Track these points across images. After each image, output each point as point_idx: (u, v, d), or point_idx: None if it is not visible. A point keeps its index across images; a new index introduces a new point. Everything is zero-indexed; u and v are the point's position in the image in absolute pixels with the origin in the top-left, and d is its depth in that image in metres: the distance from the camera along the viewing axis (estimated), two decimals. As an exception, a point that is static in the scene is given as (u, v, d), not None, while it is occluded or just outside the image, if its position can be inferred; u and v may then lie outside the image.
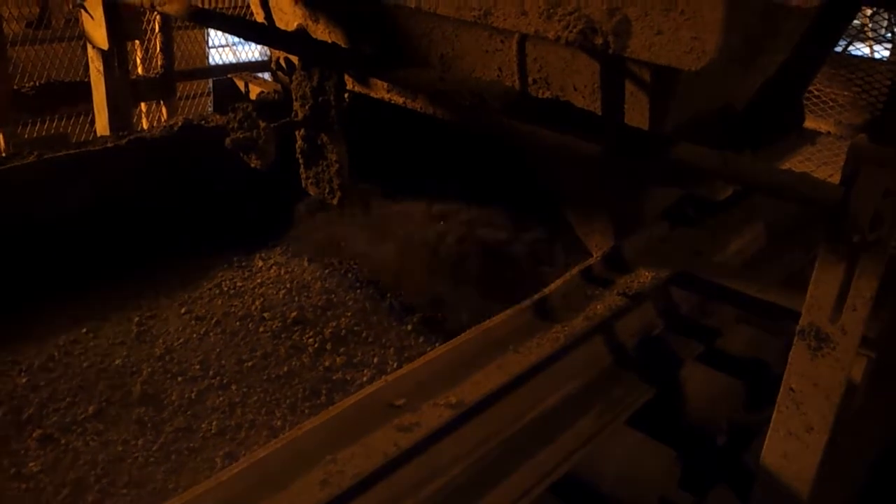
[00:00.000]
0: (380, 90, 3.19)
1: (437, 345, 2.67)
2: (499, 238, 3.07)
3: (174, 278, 3.14)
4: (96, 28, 4.02)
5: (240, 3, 6.42)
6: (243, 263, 3.28)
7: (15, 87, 4.53)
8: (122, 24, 4.04)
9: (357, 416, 1.62)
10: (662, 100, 2.32)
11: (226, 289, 3.09)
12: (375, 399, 1.68)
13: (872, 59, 4.72)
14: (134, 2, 3.44)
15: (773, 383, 1.77)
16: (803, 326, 1.67)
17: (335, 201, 2.86)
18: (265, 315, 2.87)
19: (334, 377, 2.60)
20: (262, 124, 2.62)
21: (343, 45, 3.06)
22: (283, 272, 3.16)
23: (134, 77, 4.85)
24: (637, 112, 2.36)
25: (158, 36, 5.16)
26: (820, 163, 4.11)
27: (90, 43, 4.09)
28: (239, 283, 3.12)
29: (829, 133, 4.20)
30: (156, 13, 4.97)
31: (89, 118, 4.80)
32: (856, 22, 4.71)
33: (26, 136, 5.14)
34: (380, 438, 1.58)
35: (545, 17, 2.19)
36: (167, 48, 5.13)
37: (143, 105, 5.35)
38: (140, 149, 3.37)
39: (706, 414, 2.17)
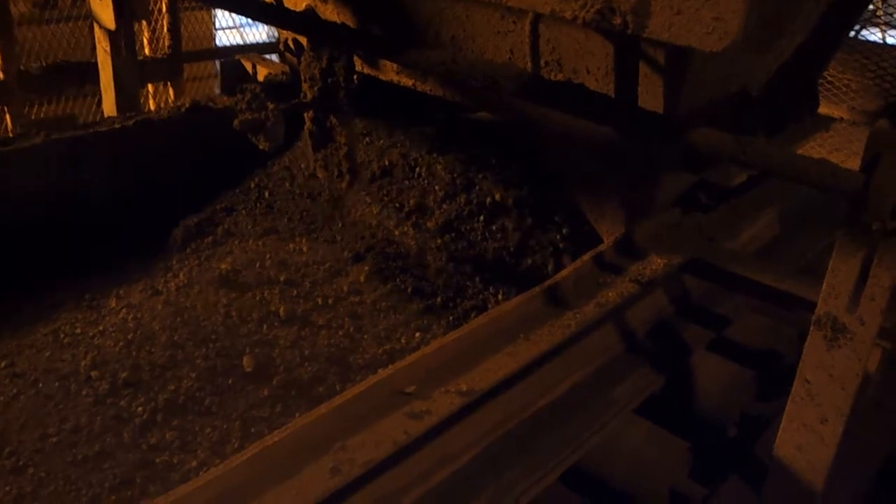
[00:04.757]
0: (389, 72, 3.15)
1: (297, 416, 2.15)
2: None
3: (14, 316, 2.71)
4: (103, 8, 3.99)
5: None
6: (94, 302, 2.81)
7: (21, 67, 4.51)
8: (130, 4, 4.01)
9: (367, 404, 1.60)
10: (677, 82, 2.28)
11: (62, 336, 2.60)
12: (385, 386, 1.66)
13: (886, 45, 4.66)
14: (141, -19, 3.41)
15: (786, 373, 1.75)
16: (819, 316, 1.64)
17: (344, 184, 2.84)
18: (92, 374, 2.36)
19: (157, 460, 2.10)
20: (271, 105, 2.59)
21: (352, 26, 3.02)
22: (131, 317, 2.63)
23: (141, 58, 4.82)
24: (651, 95, 2.32)
25: (166, 17, 5.12)
26: (832, 148, 4.07)
27: (97, 23, 4.07)
28: (78, 330, 2.62)
29: (842, 119, 4.15)
30: (163, -7, 4.94)
31: (96, 99, 4.78)
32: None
33: (33, 116, 5.12)
34: (390, 426, 1.57)
35: (562, -3, 2.14)
36: (174, 29, 5.09)
37: (150, 86, 5.32)
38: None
39: (717, 404, 2.15)
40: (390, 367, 1.74)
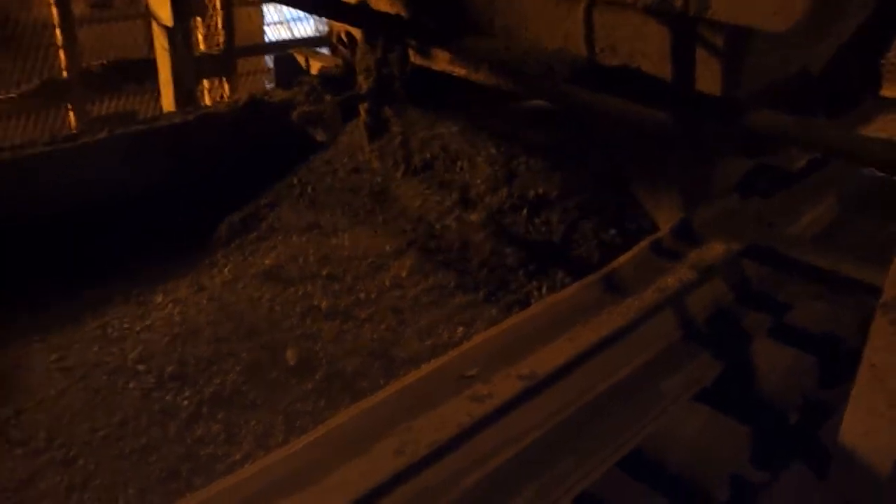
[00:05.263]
0: (441, 62, 3.17)
1: (341, 409, 2.12)
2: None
3: (65, 311, 2.75)
4: (161, 5, 4.09)
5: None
6: (141, 297, 2.86)
7: (83, 65, 4.65)
8: (186, 1, 4.10)
9: (430, 387, 1.63)
10: (736, 65, 2.25)
11: (109, 331, 2.65)
12: (448, 370, 1.68)
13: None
14: (198, -22, 3.48)
15: (849, 359, 1.72)
16: (887, 300, 1.61)
17: (399, 174, 2.87)
18: (139, 368, 2.42)
19: (202, 452, 2.14)
20: (328, 97, 2.64)
21: (405, 17, 3.04)
22: (177, 312, 2.70)
23: (197, 54, 4.93)
24: (709, 79, 2.30)
25: (219, 13, 5.21)
26: (896, 132, 3.97)
27: (155, 20, 4.16)
28: (126, 325, 2.67)
29: (905, 101, 4.04)
30: (218, -11, 5.03)
31: (154, 95, 4.90)
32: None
33: (94, 113, 5.27)
34: (453, 408, 1.59)
35: (621, -19, 2.14)
36: (228, 24, 5.19)
37: (205, 82, 5.44)
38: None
39: (778, 389, 2.12)
40: (454, 350, 1.77)
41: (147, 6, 4.25)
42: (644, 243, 2.24)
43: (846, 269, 2.20)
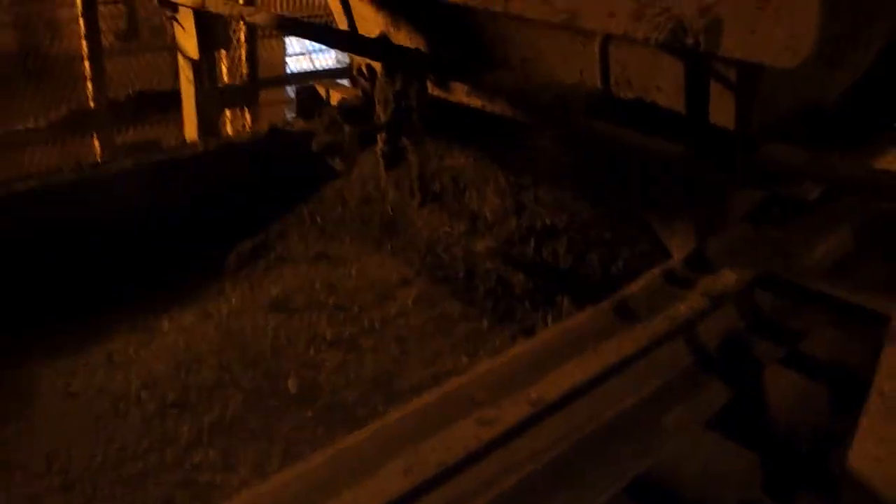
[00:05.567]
0: (458, 94, 3.22)
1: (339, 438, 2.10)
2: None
3: (72, 336, 2.80)
4: (188, 39, 4.19)
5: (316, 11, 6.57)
6: (147, 324, 2.91)
7: (110, 96, 4.76)
8: (212, 34, 4.20)
9: (439, 409, 1.65)
10: (749, 99, 2.28)
11: (115, 358, 2.70)
12: (457, 393, 1.70)
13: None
14: (224, 12, 3.57)
15: (860, 388, 1.73)
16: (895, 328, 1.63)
17: (417, 204, 2.91)
18: (142, 394, 2.46)
19: (200, 479, 2.16)
20: (347, 128, 2.69)
21: (424, 51, 3.11)
22: (182, 340, 2.73)
23: (220, 85, 5.03)
24: (723, 112, 2.33)
25: (244, 45, 5.32)
26: (912, 166, 3.96)
27: (181, 53, 4.26)
28: (131, 351, 2.72)
29: (922, 135, 4.04)
30: (242, 23, 5.14)
31: (178, 124, 5.00)
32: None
33: (119, 142, 5.38)
34: (461, 431, 1.61)
35: (634, 18, 2.18)
36: (251, 57, 5.30)
37: (227, 112, 5.54)
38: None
39: (789, 418, 2.12)
40: (463, 375, 1.79)
41: (173, 39, 4.35)
42: (656, 270, 2.26)
43: (860, 300, 2.20)
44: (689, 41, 2.03)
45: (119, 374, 2.58)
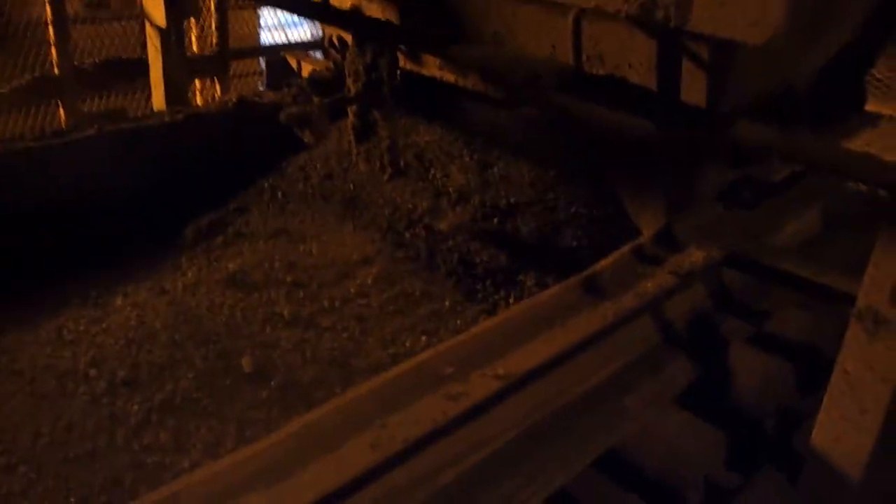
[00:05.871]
0: (431, 67, 3.19)
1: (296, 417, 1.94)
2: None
3: (21, 311, 2.68)
4: (155, 7, 4.10)
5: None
6: (100, 300, 2.79)
7: (75, 63, 4.65)
8: (180, 2, 4.12)
9: (406, 384, 1.64)
10: (721, 77, 2.28)
11: (65, 333, 2.57)
12: (425, 368, 1.69)
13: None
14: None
15: (825, 367, 1.74)
16: (860, 309, 1.64)
17: (386, 177, 2.88)
18: (91, 372, 2.35)
19: (149, 460, 2.07)
20: (316, 99, 2.65)
21: (396, 23, 3.07)
22: (134, 316, 2.62)
23: (189, 55, 4.94)
24: (694, 90, 2.32)
25: (214, 15, 5.22)
26: (881, 147, 4.00)
27: (148, 21, 4.17)
28: (82, 327, 2.60)
29: (891, 117, 4.09)
30: (213, -8, 5.04)
31: (146, 94, 4.91)
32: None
33: (85, 110, 5.27)
34: (428, 406, 1.60)
35: (606, -9, 2.16)
36: (222, 26, 5.20)
37: (197, 82, 5.44)
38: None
39: (754, 395, 2.14)
40: (430, 349, 1.78)
41: (141, 7, 4.26)
42: (625, 248, 2.27)
43: (826, 280, 2.22)
44: (660, 15, 2.02)
45: (67, 351, 2.47)
